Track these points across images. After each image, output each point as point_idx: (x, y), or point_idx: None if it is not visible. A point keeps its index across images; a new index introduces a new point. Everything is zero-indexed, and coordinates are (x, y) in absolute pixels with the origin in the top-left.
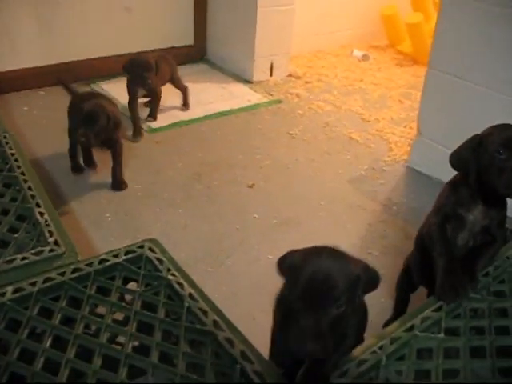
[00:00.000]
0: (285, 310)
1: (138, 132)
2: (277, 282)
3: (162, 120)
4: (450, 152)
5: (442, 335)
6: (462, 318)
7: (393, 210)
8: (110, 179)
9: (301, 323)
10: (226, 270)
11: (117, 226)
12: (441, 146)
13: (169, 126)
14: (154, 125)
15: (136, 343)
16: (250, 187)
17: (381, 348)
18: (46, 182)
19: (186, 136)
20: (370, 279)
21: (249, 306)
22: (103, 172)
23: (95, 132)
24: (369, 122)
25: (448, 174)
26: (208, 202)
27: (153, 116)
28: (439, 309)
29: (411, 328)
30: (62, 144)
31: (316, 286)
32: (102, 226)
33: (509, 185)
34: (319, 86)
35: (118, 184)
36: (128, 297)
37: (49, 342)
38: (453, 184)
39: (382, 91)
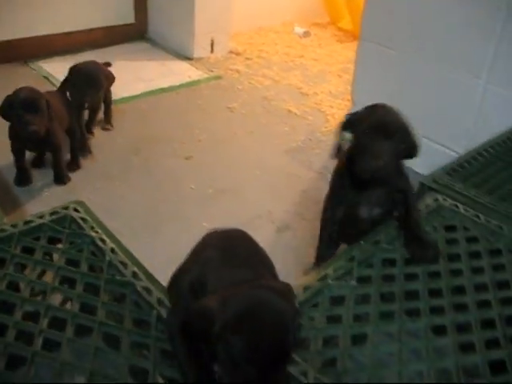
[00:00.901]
0: None
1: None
2: None
3: None
4: None
5: (353, 283)
6: (374, 267)
7: (328, 177)
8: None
9: None
10: (162, 238)
11: (51, 199)
12: None
13: None
14: None
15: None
16: (187, 159)
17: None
18: None
19: (126, 113)
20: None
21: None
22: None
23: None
24: (307, 95)
25: None
26: (145, 174)
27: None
28: (352, 259)
29: (324, 277)
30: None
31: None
32: (35, 197)
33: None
34: (259, 62)
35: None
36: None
37: None
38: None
39: (322, 67)
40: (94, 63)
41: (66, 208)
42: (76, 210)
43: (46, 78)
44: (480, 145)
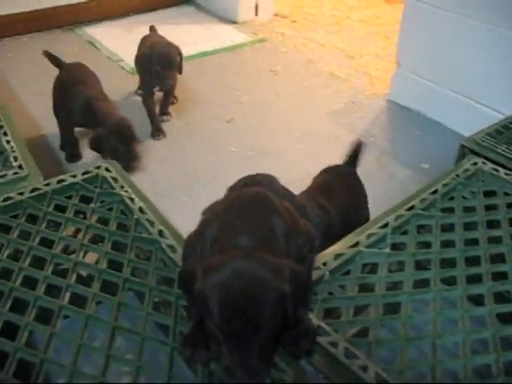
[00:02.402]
0: None
1: (157, 129)
2: None
3: None
4: (428, 83)
5: (387, 250)
6: (408, 233)
7: (369, 141)
8: None
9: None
10: (201, 198)
11: (92, 160)
12: (419, 77)
13: None
14: None
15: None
16: (228, 122)
17: (324, 264)
18: (27, 122)
19: None
20: (298, 285)
21: None
22: None
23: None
24: (353, 58)
25: (427, 105)
26: (186, 137)
27: (166, 112)
28: (385, 225)
29: (356, 244)
30: (44, 86)
31: (239, 319)
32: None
33: None
34: (305, 25)
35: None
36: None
37: (5, 254)
38: None
39: (369, 28)
40: (166, 42)
41: (98, 168)
42: (108, 170)
43: (90, 43)
44: None
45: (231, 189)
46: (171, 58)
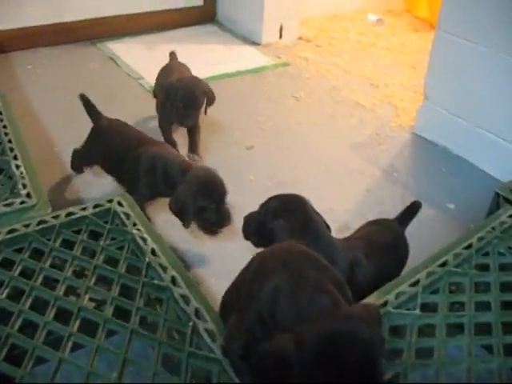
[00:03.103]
0: None
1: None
2: None
3: None
4: (456, 118)
5: (417, 312)
6: (440, 293)
7: (393, 176)
8: None
9: None
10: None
11: (109, 187)
12: (447, 111)
13: None
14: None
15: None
16: (247, 149)
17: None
18: (41, 138)
19: None
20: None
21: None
22: None
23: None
24: (378, 87)
25: (454, 141)
26: (204, 163)
27: (195, 152)
28: (416, 283)
29: (384, 304)
30: (62, 101)
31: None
32: (93, 184)
33: None
34: (329, 50)
35: None
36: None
37: (5, 293)
38: None
39: (395, 56)
40: (195, 78)
41: (110, 201)
42: (120, 204)
43: (111, 59)
44: None
45: (262, 267)
46: (196, 97)
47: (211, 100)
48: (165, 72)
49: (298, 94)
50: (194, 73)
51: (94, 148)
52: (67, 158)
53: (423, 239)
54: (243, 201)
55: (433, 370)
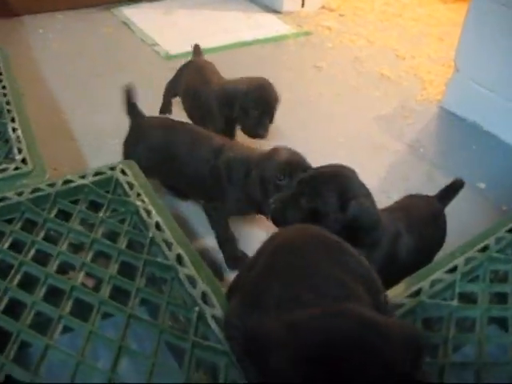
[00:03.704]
0: None
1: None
2: None
3: (181, 45)
4: (488, 92)
5: (455, 302)
6: (479, 281)
7: (419, 152)
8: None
9: None
10: None
11: (117, 155)
12: (479, 85)
13: (188, 52)
14: (172, 51)
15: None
16: None
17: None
18: (49, 104)
19: None
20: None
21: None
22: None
23: None
24: (404, 58)
25: (485, 117)
26: None
27: None
28: (453, 270)
29: (418, 292)
30: (74, 67)
31: None
32: (100, 153)
33: None
34: (353, 20)
35: None
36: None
37: None
38: None
39: (422, 28)
40: (265, 80)
41: (113, 169)
42: (123, 173)
43: (125, 23)
44: None
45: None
46: (274, 103)
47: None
48: (193, 72)
49: (320, 64)
50: (210, 40)
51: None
52: (75, 126)
53: (453, 221)
54: None
55: (472, 371)
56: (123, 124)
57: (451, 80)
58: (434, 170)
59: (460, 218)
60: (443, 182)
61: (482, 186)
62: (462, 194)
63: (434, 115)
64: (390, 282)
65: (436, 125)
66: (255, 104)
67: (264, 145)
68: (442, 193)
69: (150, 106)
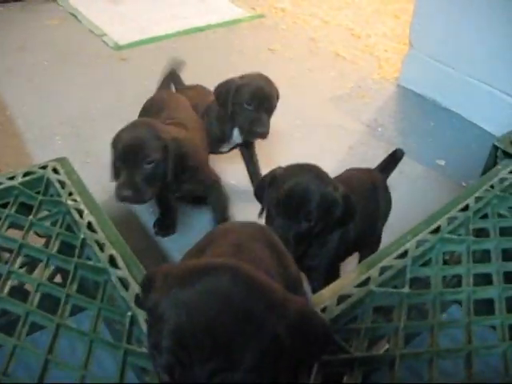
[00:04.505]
0: None
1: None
2: None
3: (131, 35)
4: (445, 68)
5: (406, 289)
6: (432, 264)
7: (377, 131)
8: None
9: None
10: None
11: (65, 151)
12: (435, 60)
13: (138, 42)
14: (121, 41)
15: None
16: None
17: (324, 310)
18: None
19: (156, 53)
20: (349, 209)
21: None
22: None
23: None
24: (359, 37)
25: (443, 93)
26: None
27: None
28: (404, 254)
29: (367, 281)
30: (17, 61)
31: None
32: (48, 150)
33: None
34: (308, 0)
35: None
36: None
37: None
38: None
39: (377, 6)
40: (265, 79)
41: (44, 167)
42: (55, 171)
43: (72, 14)
44: None
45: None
46: (271, 97)
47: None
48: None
49: (274, 47)
50: (161, 28)
51: None
52: (20, 122)
53: (411, 200)
54: (215, 157)
55: (425, 361)
56: (71, 119)
57: (407, 57)
58: (393, 150)
59: (419, 197)
60: (403, 161)
61: (442, 162)
62: (421, 171)
63: (392, 94)
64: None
65: (394, 103)
66: (249, 97)
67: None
68: (383, 164)
69: (96, 95)
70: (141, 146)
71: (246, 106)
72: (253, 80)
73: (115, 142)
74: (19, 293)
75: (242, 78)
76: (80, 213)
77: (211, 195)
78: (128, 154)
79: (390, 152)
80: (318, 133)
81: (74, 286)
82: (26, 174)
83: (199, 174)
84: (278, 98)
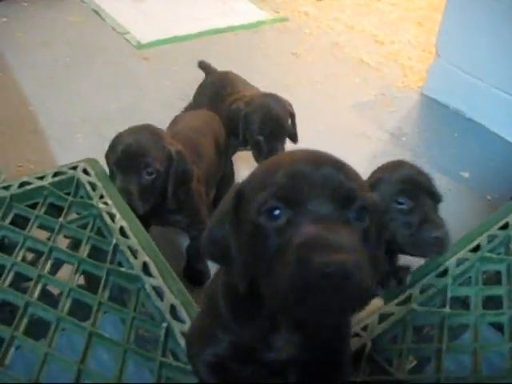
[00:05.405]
0: None
1: None
2: None
3: (153, 33)
4: (471, 78)
5: (447, 309)
6: (472, 284)
7: (401, 140)
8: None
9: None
10: None
11: (86, 149)
12: (461, 70)
13: (160, 41)
14: (143, 39)
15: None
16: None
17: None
18: (15, 96)
19: (178, 53)
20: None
21: None
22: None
23: None
24: (383, 44)
25: (467, 103)
26: None
27: None
28: (444, 273)
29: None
30: (40, 57)
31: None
32: (70, 147)
33: None
34: (331, 5)
35: None
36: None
37: None
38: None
39: (401, 12)
40: (273, 100)
41: (74, 168)
42: (86, 173)
43: (95, 11)
44: None
45: None
46: (283, 123)
47: (294, 121)
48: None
49: (298, 51)
50: (183, 28)
51: None
52: (42, 119)
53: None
54: (237, 165)
55: None
56: (93, 117)
57: (432, 66)
58: (417, 160)
59: (444, 209)
60: (427, 171)
61: (466, 175)
62: (445, 182)
63: (416, 102)
64: None
65: (418, 112)
66: (258, 128)
67: None
68: None
69: (117, 94)
70: (143, 154)
71: (257, 137)
72: (260, 105)
73: (114, 144)
74: (46, 296)
75: (248, 103)
76: (112, 217)
77: (193, 241)
78: (127, 159)
79: (413, 162)
80: (340, 140)
81: (106, 294)
82: (55, 174)
83: (194, 206)
84: (292, 116)
